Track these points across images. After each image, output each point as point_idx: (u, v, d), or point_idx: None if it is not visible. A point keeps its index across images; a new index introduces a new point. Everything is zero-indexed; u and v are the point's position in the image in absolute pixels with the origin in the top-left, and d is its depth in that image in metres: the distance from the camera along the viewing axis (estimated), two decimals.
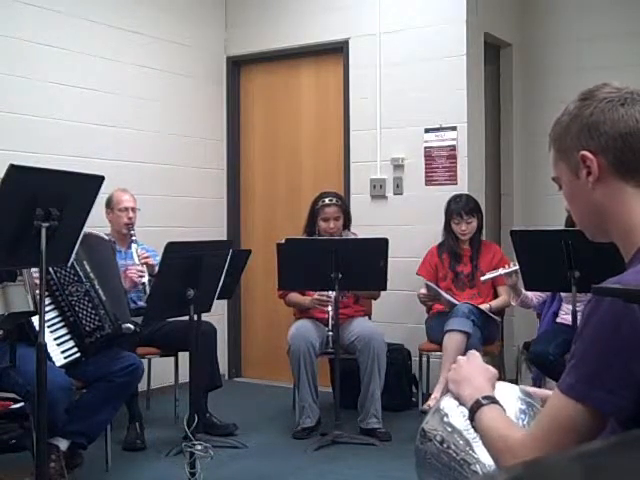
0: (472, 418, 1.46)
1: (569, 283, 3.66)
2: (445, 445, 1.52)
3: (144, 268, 4.35)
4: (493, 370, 1.58)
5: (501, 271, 4.32)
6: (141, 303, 4.40)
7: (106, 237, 4.18)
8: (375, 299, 4.85)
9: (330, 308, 4.42)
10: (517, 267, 4.08)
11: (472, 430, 1.48)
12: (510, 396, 1.52)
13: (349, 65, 5.59)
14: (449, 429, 1.53)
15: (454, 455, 1.50)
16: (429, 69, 5.24)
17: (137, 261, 4.39)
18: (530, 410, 1.51)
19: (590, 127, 1.37)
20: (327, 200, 4.71)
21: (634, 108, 1.35)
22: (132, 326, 3.77)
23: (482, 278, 4.49)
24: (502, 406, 1.46)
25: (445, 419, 1.55)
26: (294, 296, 4.72)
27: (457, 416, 1.53)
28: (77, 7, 5.04)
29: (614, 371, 1.23)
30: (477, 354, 1.63)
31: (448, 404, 1.57)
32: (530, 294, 4.43)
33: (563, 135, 1.42)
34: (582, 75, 5.41)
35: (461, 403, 1.53)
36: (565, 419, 1.27)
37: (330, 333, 4.37)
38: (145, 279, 4.32)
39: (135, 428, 4.24)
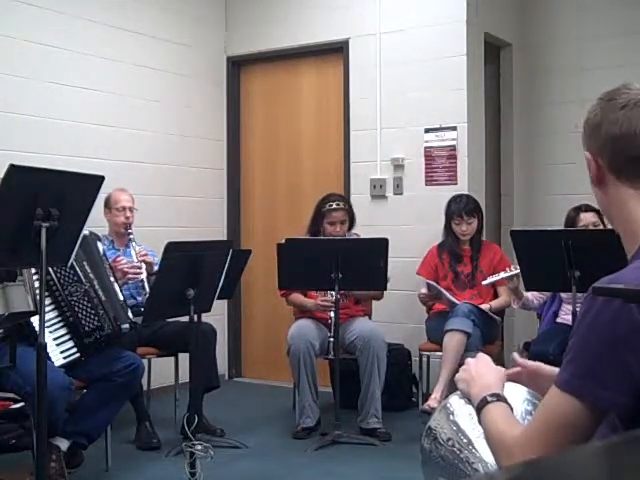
0: (479, 415, 1.47)
1: (569, 283, 3.66)
2: (450, 443, 1.53)
3: (142, 265, 4.34)
4: (502, 369, 1.59)
5: (502, 275, 4.32)
6: (140, 299, 4.40)
7: (87, 232, 4.08)
8: (378, 299, 4.84)
9: (332, 313, 4.41)
10: (518, 270, 4.09)
11: (476, 429, 1.49)
12: (516, 397, 1.53)
13: (349, 65, 5.59)
14: (454, 427, 1.54)
15: (458, 453, 1.51)
16: (429, 69, 5.24)
17: (136, 259, 4.39)
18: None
19: (593, 128, 1.39)
20: (334, 204, 4.70)
21: (632, 111, 1.35)
22: (128, 325, 3.77)
23: (483, 283, 4.51)
24: (509, 404, 1.46)
25: (451, 417, 1.56)
26: (297, 297, 4.71)
27: (463, 415, 1.54)
28: (77, 7, 5.04)
29: (610, 366, 1.24)
30: (486, 356, 1.64)
31: (455, 402, 1.58)
32: (531, 296, 4.44)
33: (582, 136, 1.45)
34: (582, 75, 5.42)
35: (470, 401, 1.54)
36: (561, 415, 1.27)
37: (331, 339, 4.37)
38: (143, 276, 4.31)
39: (146, 427, 4.26)
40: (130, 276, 4.27)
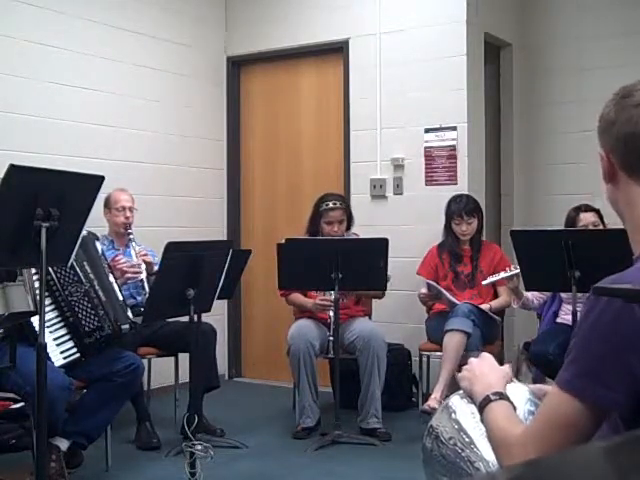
0: (481, 414, 1.47)
1: (569, 283, 3.66)
2: (452, 442, 1.53)
3: (142, 264, 4.34)
4: (506, 369, 1.59)
5: (502, 274, 4.33)
6: (140, 299, 4.40)
7: (85, 232, 4.07)
8: (379, 298, 4.83)
9: (332, 313, 4.41)
10: (518, 270, 4.09)
11: (477, 428, 1.49)
12: (519, 397, 1.53)
13: (349, 65, 5.59)
14: (456, 426, 1.54)
15: (459, 452, 1.51)
16: (429, 69, 5.24)
17: (135, 259, 4.39)
18: None
19: (607, 125, 1.38)
20: (331, 204, 4.70)
21: None
22: (128, 325, 3.77)
23: (483, 282, 4.50)
24: (512, 402, 1.46)
25: (453, 416, 1.56)
26: (296, 297, 4.71)
27: (465, 414, 1.54)
28: (77, 7, 5.04)
29: (612, 366, 1.24)
30: (489, 355, 1.64)
31: (457, 402, 1.58)
32: (531, 296, 4.44)
33: (598, 133, 1.43)
34: (582, 75, 5.42)
35: (472, 401, 1.54)
36: (562, 414, 1.27)
37: (331, 338, 4.37)
38: (143, 276, 4.31)
39: (146, 427, 4.26)
40: (129, 275, 4.27)
